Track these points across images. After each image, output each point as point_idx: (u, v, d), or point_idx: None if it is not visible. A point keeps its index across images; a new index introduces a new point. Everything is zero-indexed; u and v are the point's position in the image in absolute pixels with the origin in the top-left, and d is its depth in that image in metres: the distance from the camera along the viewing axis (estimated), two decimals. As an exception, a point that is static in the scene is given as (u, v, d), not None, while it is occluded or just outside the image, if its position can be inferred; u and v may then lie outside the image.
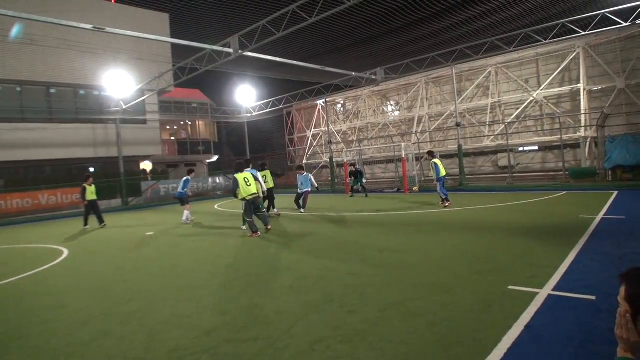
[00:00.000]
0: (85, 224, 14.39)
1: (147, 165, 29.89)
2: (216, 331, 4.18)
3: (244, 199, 10.14)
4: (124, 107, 22.66)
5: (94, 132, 23.46)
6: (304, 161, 33.70)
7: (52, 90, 22.70)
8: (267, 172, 13.67)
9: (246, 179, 10.14)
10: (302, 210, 14.92)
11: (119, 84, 21.27)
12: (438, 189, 13.88)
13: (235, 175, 10.15)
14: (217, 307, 4.94)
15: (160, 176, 26.96)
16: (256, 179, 10.79)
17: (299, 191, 14.85)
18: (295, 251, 8.15)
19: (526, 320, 3.92)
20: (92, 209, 14.54)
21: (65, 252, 9.84)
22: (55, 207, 21.08)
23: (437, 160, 13.95)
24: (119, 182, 23.17)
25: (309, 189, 14.95)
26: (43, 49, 20.36)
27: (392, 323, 4.06)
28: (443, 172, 13.76)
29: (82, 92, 23.73)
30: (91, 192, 14.35)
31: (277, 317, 4.46)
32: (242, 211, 10.64)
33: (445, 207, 13.23)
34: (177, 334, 4.20)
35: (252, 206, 10.21)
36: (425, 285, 5.18)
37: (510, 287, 4.88)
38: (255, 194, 10.20)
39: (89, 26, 13.04)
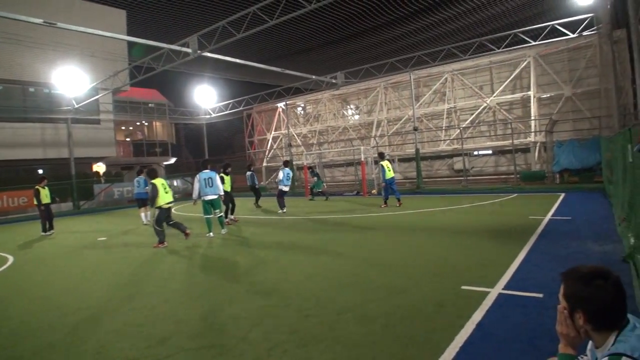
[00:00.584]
0: (44, 230, 13.41)
1: (100, 167, 28.87)
2: (170, 340, 4.07)
3: (159, 207, 9.48)
4: (76, 106, 21.79)
5: (43, 131, 22.44)
6: (264, 164, 33.47)
7: (-2, 87, 21.58)
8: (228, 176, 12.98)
9: (164, 186, 9.62)
10: (280, 211, 14.83)
11: (71, 81, 20.42)
12: (383, 191, 14.57)
13: (154, 182, 9.48)
14: (171, 314, 4.81)
15: (114, 178, 26.11)
16: (213, 181, 10.57)
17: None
18: (251, 256, 8.07)
19: (478, 319, 4.03)
20: (47, 213, 13.64)
21: (10, 259, 9.34)
22: (0, 212, 19.98)
23: (384, 163, 14.24)
24: (69, 185, 22.22)
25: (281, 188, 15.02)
26: (-12, 43, 19.31)
27: (348, 326, 4.08)
28: (389, 175, 14.09)
29: (31, 89, 22.66)
30: (45, 195, 13.48)
31: (233, 323, 4.39)
32: (155, 218, 9.73)
33: (382, 207, 14.09)
34: (128, 343, 4.05)
35: (166, 215, 9.63)
36: (381, 288, 5.24)
37: (463, 287, 5.02)
38: (171, 202, 9.70)
39: (39, 20, 12.46)
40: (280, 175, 15.20)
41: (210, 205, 10.63)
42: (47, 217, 13.54)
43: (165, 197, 9.49)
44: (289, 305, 4.82)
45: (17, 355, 3.96)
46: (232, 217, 13.04)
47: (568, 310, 1.71)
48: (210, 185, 10.50)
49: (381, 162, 14.30)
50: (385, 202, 14.36)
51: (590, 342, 1.79)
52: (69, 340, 4.25)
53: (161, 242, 9.54)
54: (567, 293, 1.72)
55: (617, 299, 1.62)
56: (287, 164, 16.05)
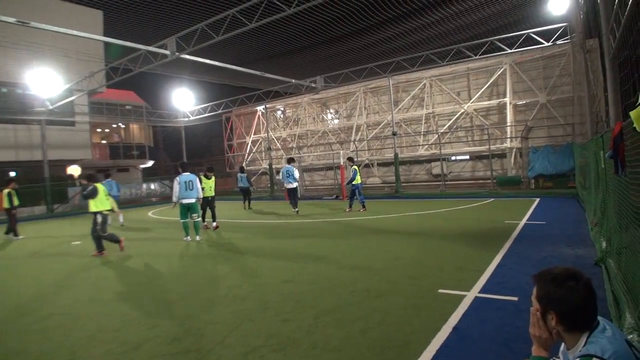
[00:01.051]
0: (16, 234, 13.02)
1: (75, 170, 28.19)
2: (145, 345, 4.00)
3: (98, 213, 9.05)
4: (50, 107, 21.30)
5: (16, 133, 21.87)
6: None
7: (-31, 87, 20.97)
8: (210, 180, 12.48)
9: (105, 192, 9.21)
10: (294, 210, 14.78)
11: (45, 82, 19.93)
12: (357, 195, 14.65)
13: (97, 185, 9.08)
14: (147, 319, 4.73)
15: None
16: (194, 184, 10.42)
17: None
18: (230, 261, 7.99)
19: (454, 322, 4.08)
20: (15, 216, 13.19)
21: (-22, 263, 9.08)
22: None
23: (357, 167, 14.87)
24: (43, 188, 21.67)
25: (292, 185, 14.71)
26: (-42, 42, 18.73)
27: (326, 330, 4.08)
28: (359, 180, 14.66)
29: (3, 89, 22.06)
30: (17, 198, 13.09)
31: (210, 327, 4.34)
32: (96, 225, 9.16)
33: (347, 211, 14.57)
34: (102, 349, 3.97)
35: (103, 221, 9.12)
36: (360, 291, 5.25)
37: (440, 290, 5.07)
38: (110, 210, 9.34)
39: (11, 19, 12.15)
40: (279, 176, 15.40)
41: (187, 209, 10.44)
42: (16, 221, 13.14)
43: (103, 204, 9.10)
44: (267, 309, 4.79)
45: (-15, 363, 3.85)
46: (214, 223, 12.50)
47: (540, 312, 1.74)
48: (191, 188, 10.33)
49: (355, 167, 14.76)
50: (364, 206, 14.61)
51: (562, 345, 1.82)
52: (41, 346, 4.14)
53: (101, 251, 9.10)
54: (540, 294, 1.75)
55: (588, 300, 1.66)
56: (289, 161, 15.71)
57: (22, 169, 22.98)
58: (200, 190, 10.64)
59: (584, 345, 1.63)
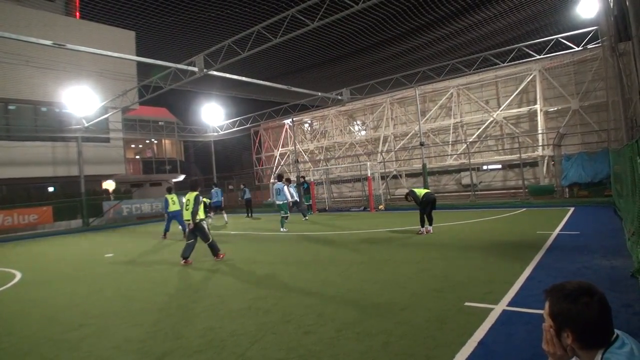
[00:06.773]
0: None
1: (109, 185, 29.11)
2: (168, 356, 4.05)
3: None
4: (86, 124, 22.11)
5: (54, 150, 22.73)
6: (271, 180, 33.54)
7: (11, 107, 21.95)
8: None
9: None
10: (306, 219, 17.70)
11: (81, 101, 20.73)
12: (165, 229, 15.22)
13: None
14: (172, 330, 4.79)
15: (123, 196, 26.27)
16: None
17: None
18: (255, 272, 8.03)
19: (480, 337, 3.97)
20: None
21: (18, 275, 9.41)
22: (10, 229, 20.14)
23: (168, 196, 14.73)
24: (79, 202, 22.42)
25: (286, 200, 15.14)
26: (0, 64, 19.71)
27: (347, 343, 4.03)
28: (173, 207, 14.60)
29: (43, 109, 23.03)
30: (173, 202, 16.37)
31: (232, 339, 4.36)
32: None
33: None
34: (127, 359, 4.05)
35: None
36: (383, 304, 5.18)
37: (466, 303, 4.95)
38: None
39: (48, 42, 12.73)
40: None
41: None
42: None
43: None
44: (289, 321, 4.79)
45: (16, 373, 3.97)
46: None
47: (554, 329, 1.68)
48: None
49: (168, 195, 14.73)
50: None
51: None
52: (70, 355, 4.26)
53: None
54: (554, 311, 1.68)
55: (604, 316, 1.59)
56: (280, 178, 15.77)
57: (59, 184, 23.84)
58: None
59: None
